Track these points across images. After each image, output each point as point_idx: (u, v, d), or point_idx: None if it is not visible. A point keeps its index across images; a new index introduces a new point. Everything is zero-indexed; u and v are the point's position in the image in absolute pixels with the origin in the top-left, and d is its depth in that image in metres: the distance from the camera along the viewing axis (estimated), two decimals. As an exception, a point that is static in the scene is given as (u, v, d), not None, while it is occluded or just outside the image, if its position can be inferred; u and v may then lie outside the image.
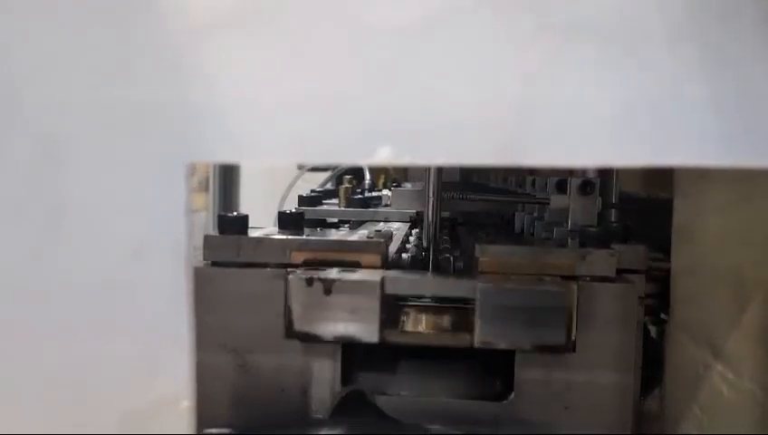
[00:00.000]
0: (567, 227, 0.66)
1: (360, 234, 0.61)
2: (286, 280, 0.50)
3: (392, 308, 0.53)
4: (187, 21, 0.33)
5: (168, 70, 0.33)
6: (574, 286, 0.49)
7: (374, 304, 0.49)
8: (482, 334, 0.49)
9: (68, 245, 0.34)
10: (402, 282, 0.53)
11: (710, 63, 0.33)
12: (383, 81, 0.33)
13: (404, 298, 0.56)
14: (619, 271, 0.53)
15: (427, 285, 0.54)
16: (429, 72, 0.33)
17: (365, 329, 0.49)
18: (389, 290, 0.51)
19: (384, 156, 0.33)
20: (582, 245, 0.55)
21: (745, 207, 0.44)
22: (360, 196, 0.99)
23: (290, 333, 0.50)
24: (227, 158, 0.35)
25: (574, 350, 0.50)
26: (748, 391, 0.41)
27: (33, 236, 0.34)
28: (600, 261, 0.52)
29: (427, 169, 0.71)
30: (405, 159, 0.33)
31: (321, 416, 0.52)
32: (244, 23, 0.33)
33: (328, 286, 0.49)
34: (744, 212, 0.44)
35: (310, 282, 0.49)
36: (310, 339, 0.50)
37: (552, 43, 0.33)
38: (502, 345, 0.50)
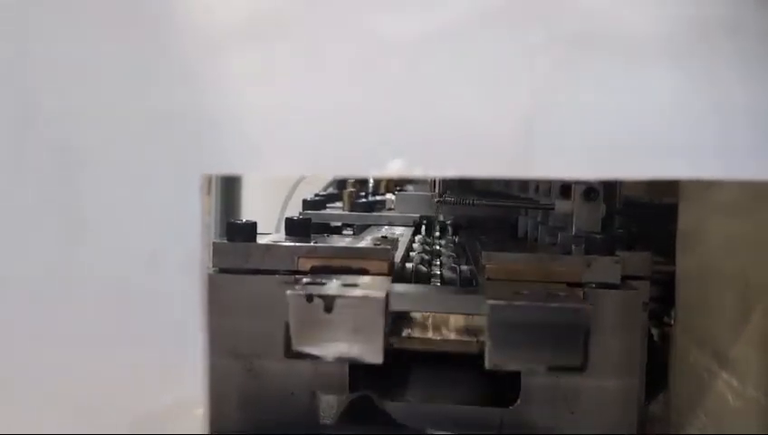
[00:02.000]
0: (571, 232, 0.67)
1: (367, 240, 0.62)
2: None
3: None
4: (204, 34, 0.33)
5: (184, 82, 0.34)
6: (589, 306, 0.46)
7: (378, 323, 0.44)
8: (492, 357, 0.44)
9: (84, 253, 0.35)
10: (407, 298, 0.53)
11: (717, 75, 0.33)
12: (395, 93, 0.34)
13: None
14: (624, 277, 0.54)
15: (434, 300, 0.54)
16: (440, 85, 0.34)
17: (368, 349, 0.44)
18: (395, 307, 0.49)
19: (396, 168, 0.34)
20: (587, 251, 0.55)
21: (751, 212, 0.44)
22: (363, 200, 0.99)
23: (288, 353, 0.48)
24: (241, 169, 0.36)
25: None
26: (753, 398, 0.41)
27: (50, 244, 0.34)
28: (605, 268, 0.53)
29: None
30: (416, 171, 0.34)
31: (328, 421, 0.53)
32: (259, 36, 0.33)
33: (329, 304, 0.45)
34: (750, 216, 0.44)
35: (310, 299, 0.45)
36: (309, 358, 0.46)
37: (561, 56, 0.33)
38: (512, 366, 0.46)
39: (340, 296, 0.45)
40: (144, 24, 0.34)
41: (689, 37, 0.33)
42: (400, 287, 0.54)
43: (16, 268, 0.35)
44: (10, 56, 0.34)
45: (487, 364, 0.44)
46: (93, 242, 0.35)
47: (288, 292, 0.46)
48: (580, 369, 0.44)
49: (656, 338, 0.68)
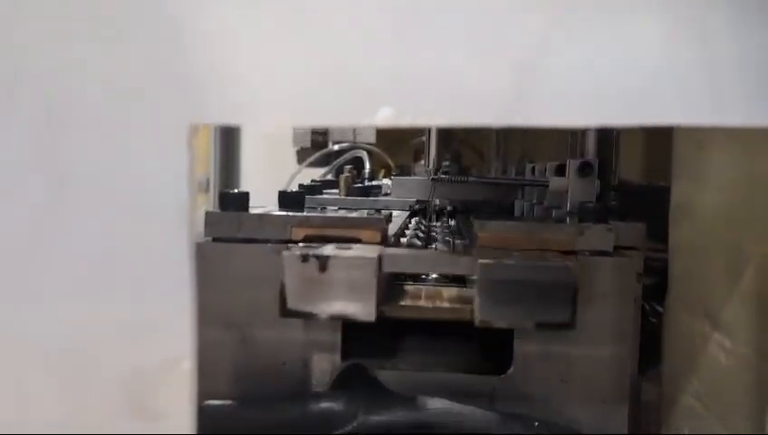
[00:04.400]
0: (566, 208, 0.67)
1: (361, 213, 0.62)
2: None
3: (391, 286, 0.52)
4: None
5: (170, 32, 0.34)
6: (577, 264, 0.48)
7: (371, 282, 0.46)
8: (482, 313, 0.47)
9: (72, 208, 0.34)
10: (401, 259, 0.52)
11: (706, 25, 0.33)
12: (385, 42, 0.34)
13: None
14: (617, 248, 0.54)
15: (427, 261, 0.53)
16: (431, 34, 0.33)
17: (361, 308, 0.46)
18: (387, 268, 0.50)
19: (385, 116, 0.34)
20: (581, 220, 0.55)
21: (744, 178, 0.44)
22: (360, 185, 0.99)
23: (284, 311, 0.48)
24: (230, 119, 0.36)
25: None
26: (744, 356, 0.41)
27: (37, 200, 0.34)
28: (598, 236, 0.53)
29: (426, 154, 0.71)
30: (406, 120, 0.34)
31: (320, 389, 0.53)
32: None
33: (323, 263, 0.46)
34: (743, 183, 0.44)
35: (305, 258, 0.46)
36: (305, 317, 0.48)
37: (553, 7, 0.33)
38: (502, 324, 0.47)
39: (334, 256, 0.45)
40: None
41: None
42: (393, 250, 0.54)
43: (2, 224, 0.34)
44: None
45: (477, 322, 0.44)
46: (81, 196, 0.35)
47: (284, 252, 0.46)
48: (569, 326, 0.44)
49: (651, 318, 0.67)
